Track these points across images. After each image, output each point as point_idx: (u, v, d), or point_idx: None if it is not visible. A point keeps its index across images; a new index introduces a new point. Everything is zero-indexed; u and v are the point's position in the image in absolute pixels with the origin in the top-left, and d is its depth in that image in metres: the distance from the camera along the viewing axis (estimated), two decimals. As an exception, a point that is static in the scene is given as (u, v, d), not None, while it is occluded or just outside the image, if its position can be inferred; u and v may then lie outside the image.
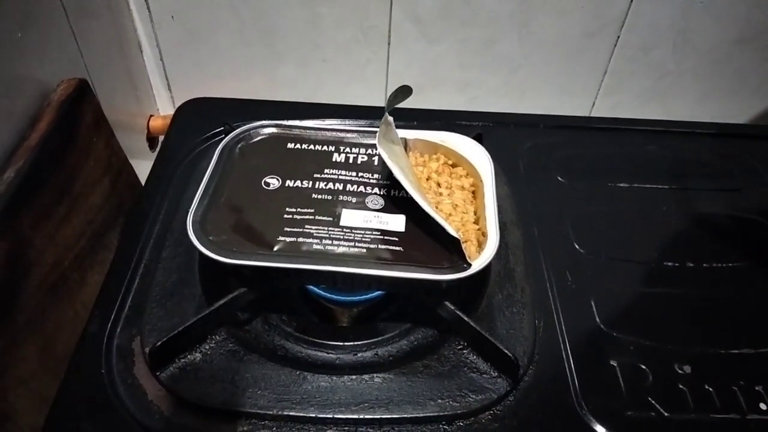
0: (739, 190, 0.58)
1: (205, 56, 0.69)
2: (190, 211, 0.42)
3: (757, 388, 0.42)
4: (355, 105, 0.66)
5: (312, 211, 0.43)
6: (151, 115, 0.72)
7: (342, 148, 0.48)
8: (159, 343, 0.40)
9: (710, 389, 0.42)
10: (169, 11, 0.65)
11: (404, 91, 0.45)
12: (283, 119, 0.50)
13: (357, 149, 0.48)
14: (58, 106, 0.47)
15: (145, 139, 0.71)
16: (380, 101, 0.71)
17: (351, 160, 0.47)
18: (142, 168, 0.59)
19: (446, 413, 0.40)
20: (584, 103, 0.73)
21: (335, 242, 0.41)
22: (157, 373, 0.41)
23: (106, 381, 0.41)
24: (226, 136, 0.49)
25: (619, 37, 0.66)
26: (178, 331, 0.40)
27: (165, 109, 0.74)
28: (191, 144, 0.59)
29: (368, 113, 0.59)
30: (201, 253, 0.39)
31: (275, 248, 0.40)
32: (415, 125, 0.58)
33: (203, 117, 0.62)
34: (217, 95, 0.67)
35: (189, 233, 0.40)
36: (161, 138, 0.69)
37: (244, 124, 0.50)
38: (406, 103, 0.47)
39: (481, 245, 0.42)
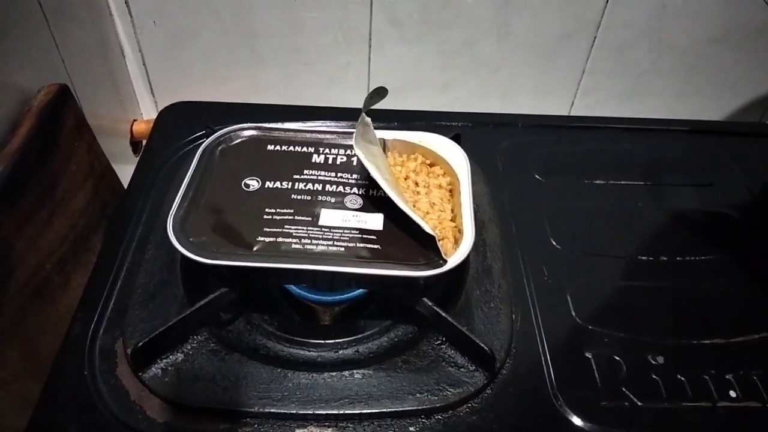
0: (712, 185, 0.59)
1: (187, 60, 0.69)
2: (171, 212, 0.42)
3: (727, 377, 0.43)
4: (337, 107, 0.67)
5: (291, 211, 0.43)
6: (135, 120, 0.72)
7: (321, 149, 0.49)
8: (140, 343, 0.40)
9: (682, 379, 0.43)
10: (150, 16, 0.65)
11: (380, 93, 0.45)
12: (265, 122, 0.51)
13: (336, 150, 0.49)
14: (38, 112, 0.48)
15: (129, 143, 0.71)
16: (362, 103, 0.72)
17: (330, 161, 0.48)
18: (126, 172, 0.60)
19: (425, 407, 0.40)
20: (563, 103, 0.74)
21: (314, 241, 0.41)
22: (140, 374, 0.41)
23: (89, 382, 0.41)
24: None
25: (595, 37, 0.67)
26: (159, 331, 0.40)
27: (148, 113, 0.74)
28: (174, 147, 0.59)
29: (349, 115, 0.59)
30: (182, 255, 0.40)
31: (255, 248, 0.41)
32: (396, 126, 0.59)
33: (186, 120, 0.62)
34: (201, 99, 0.67)
35: (169, 235, 0.40)
36: (145, 142, 0.69)
37: (226, 127, 0.50)
38: (387, 105, 0.48)
39: (457, 242, 0.42)
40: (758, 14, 0.65)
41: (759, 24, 0.66)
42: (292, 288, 0.45)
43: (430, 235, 0.40)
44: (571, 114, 0.74)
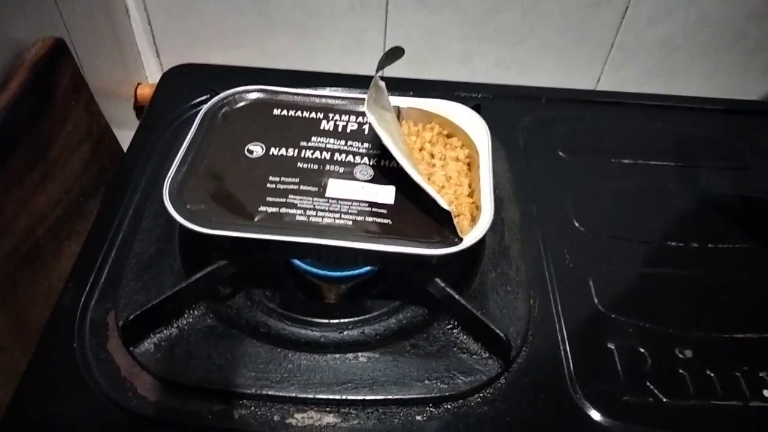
0: (748, 169, 0.57)
1: (195, 23, 0.66)
2: (167, 178, 0.40)
3: (761, 375, 0.41)
4: (349, 74, 0.64)
5: (297, 180, 0.41)
6: (139, 83, 0.69)
7: (331, 115, 0.46)
8: (133, 316, 0.38)
9: (712, 375, 0.41)
10: (156, -27, 0.62)
11: (396, 53, 0.42)
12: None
13: (347, 117, 0.46)
14: (31, 66, 0.45)
15: (133, 107, 0.69)
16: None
17: (340, 128, 0.45)
18: (130, 138, 0.57)
19: (433, 395, 0.38)
20: (589, 79, 0.71)
21: (320, 213, 0.39)
22: (131, 349, 0.39)
23: (78, 356, 0.40)
24: (210, 101, 0.47)
25: (627, 8, 0.64)
26: (152, 304, 0.38)
27: (154, 77, 0.72)
28: (177, 111, 0.57)
29: (362, 83, 0.56)
30: (179, 223, 0.37)
31: (256, 219, 0.38)
32: (412, 95, 0.56)
33: (190, 83, 0.60)
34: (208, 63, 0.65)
35: (165, 201, 0.38)
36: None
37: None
38: (403, 73, 0.44)
39: (474, 219, 0.40)
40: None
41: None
42: (296, 263, 0.43)
43: (446, 210, 0.37)
44: (598, 89, 0.71)
